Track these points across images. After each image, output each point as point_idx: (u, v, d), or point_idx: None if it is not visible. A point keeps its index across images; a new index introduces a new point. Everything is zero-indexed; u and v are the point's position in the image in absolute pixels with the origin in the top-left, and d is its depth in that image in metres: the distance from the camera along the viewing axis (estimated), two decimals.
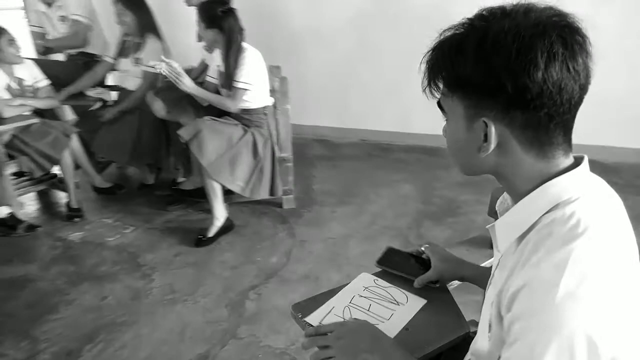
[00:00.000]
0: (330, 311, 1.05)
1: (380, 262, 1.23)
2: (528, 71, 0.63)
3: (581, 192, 0.69)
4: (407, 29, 3.61)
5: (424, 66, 0.74)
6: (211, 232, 2.68)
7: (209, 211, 2.73)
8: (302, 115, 4.25)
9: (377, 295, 1.11)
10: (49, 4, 3.33)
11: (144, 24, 3.05)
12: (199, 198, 2.95)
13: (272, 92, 2.86)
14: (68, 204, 3.03)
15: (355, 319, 1.02)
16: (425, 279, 1.13)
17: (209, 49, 2.74)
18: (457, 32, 0.70)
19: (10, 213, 2.83)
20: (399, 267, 1.20)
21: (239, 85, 2.59)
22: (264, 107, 2.78)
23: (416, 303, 1.08)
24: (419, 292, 1.12)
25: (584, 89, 0.67)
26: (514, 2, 0.69)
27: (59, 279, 2.40)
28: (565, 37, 0.64)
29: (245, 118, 2.72)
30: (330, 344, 0.89)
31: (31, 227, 2.84)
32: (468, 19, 0.70)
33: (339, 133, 4.26)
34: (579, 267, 0.62)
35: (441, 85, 0.74)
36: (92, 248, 2.67)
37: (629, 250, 0.70)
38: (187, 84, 2.55)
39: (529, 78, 0.63)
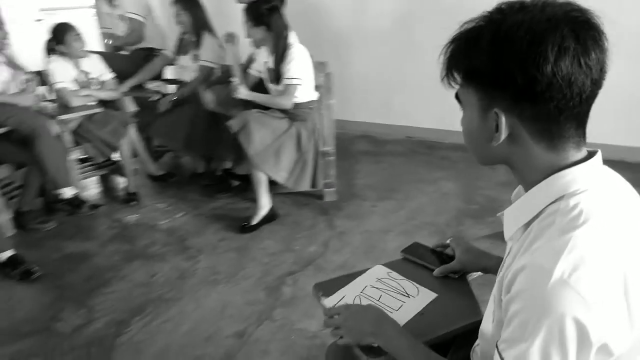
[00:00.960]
0: (341, 299, 1.10)
1: (404, 251, 1.29)
2: (537, 64, 0.64)
3: (589, 185, 0.70)
4: (454, 26, 3.58)
5: (442, 57, 0.76)
6: (255, 220, 2.80)
7: (254, 200, 2.85)
8: (348, 111, 4.32)
9: (388, 287, 1.15)
10: (110, 1, 3.58)
11: (200, 23, 3.24)
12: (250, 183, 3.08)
13: (317, 87, 2.95)
14: (126, 189, 3.26)
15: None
16: (448, 268, 1.16)
17: (257, 45, 2.85)
18: (475, 25, 0.72)
19: (76, 194, 3.08)
20: (422, 257, 1.25)
21: (291, 81, 2.69)
22: (310, 102, 2.86)
23: (426, 296, 1.11)
24: (432, 286, 1.14)
25: (596, 84, 0.68)
26: None
27: (114, 256, 2.60)
28: (578, 32, 0.65)
29: (291, 112, 2.82)
30: (339, 325, 0.96)
31: (94, 206, 3.10)
32: (487, 12, 0.72)
33: (384, 129, 4.29)
34: (575, 255, 0.63)
35: (458, 77, 0.75)
36: (145, 230, 2.87)
37: (637, 242, 0.69)
38: (243, 92, 2.71)
39: (538, 71, 0.64)
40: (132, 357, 1.90)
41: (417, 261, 1.25)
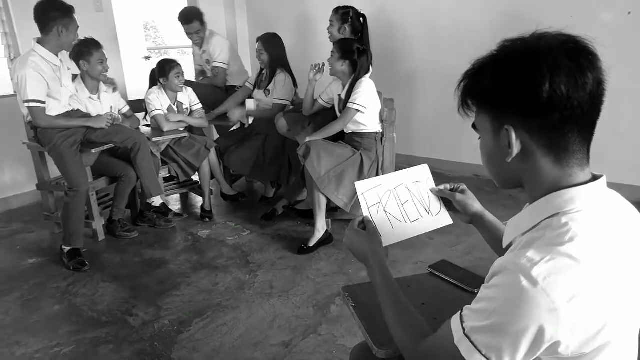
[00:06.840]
0: (376, 187, 1.16)
1: (432, 267, 1.37)
2: (535, 80, 0.71)
3: (585, 206, 0.75)
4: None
5: (457, 91, 0.84)
6: (312, 242, 2.96)
7: (314, 226, 3.02)
8: (416, 147, 4.41)
9: (418, 195, 1.20)
10: (200, 47, 4.05)
11: (277, 62, 3.52)
12: (310, 219, 3.23)
13: (382, 122, 3.10)
14: (202, 207, 3.58)
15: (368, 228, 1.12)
16: (446, 191, 1.26)
17: (332, 73, 3.05)
18: (481, 58, 0.82)
19: (163, 203, 3.47)
20: (449, 274, 1.33)
21: (352, 105, 2.87)
22: (376, 133, 3.02)
23: (443, 219, 1.19)
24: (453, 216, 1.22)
25: (595, 97, 0.73)
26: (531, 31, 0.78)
27: (185, 265, 2.88)
28: (571, 53, 0.72)
29: (357, 141, 2.99)
30: (345, 242, 1.15)
31: (178, 215, 3.55)
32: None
33: (453, 167, 4.32)
34: (552, 264, 0.68)
35: (473, 106, 0.83)
36: (214, 244, 3.14)
37: (624, 265, 0.74)
38: (306, 139, 2.93)
39: (537, 87, 0.71)
40: (189, 353, 2.10)
41: (443, 277, 1.33)
